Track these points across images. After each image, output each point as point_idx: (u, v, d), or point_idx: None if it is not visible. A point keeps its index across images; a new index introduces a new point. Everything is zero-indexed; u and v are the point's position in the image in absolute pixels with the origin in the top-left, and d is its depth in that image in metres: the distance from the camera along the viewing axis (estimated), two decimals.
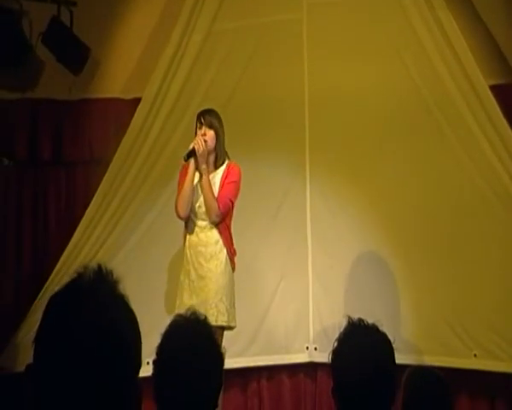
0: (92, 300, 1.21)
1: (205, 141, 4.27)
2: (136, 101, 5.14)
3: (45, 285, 4.85)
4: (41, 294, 4.82)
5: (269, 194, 5.15)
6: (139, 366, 1.24)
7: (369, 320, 2.10)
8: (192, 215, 4.35)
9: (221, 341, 3.88)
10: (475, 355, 4.98)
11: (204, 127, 4.31)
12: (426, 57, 5.03)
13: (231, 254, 4.35)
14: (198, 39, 5.09)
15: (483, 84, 4.94)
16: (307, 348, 5.08)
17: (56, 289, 1.26)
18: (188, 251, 4.34)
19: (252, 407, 5.17)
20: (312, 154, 5.20)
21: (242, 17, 5.21)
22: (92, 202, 5.03)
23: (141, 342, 1.26)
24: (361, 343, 2.04)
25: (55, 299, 1.24)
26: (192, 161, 4.29)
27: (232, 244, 4.37)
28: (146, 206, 5.10)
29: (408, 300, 5.09)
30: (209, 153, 4.31)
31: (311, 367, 5.12)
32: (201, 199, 4.33)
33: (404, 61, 5.09)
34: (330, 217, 5.18)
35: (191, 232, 4.36)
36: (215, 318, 4.13)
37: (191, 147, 4.26)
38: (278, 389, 5.17)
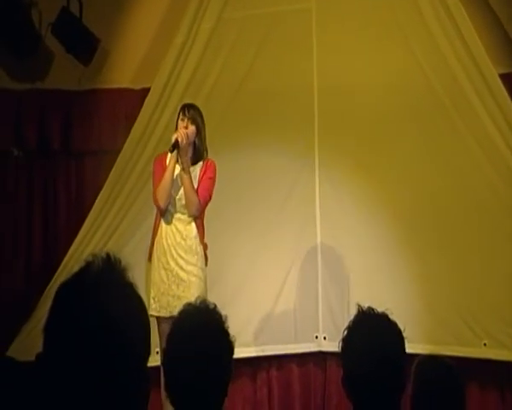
0: (101, 289, 1.22)
1: (186, 134, 4.29)
2: (146, 91, 5.14)
3: (55, 275, 4.87)
4: (51, 283, 4.84)
5: (278, 182, 5.15)
6: (148, 354, 1.24)
7: (379, 309, 2.10)
8: (170, 207, 4.37)
9: None
10: (485, 345, 4.97)
11: (186, 120, 4.34)
12: (435, 45, 5.00)
13: (205, 248, 4.41)
14: (207, 28, 5.08)
15: (493, 72, 4.92)
16: (316, 337, 5.08)
17: (66, 278, 1.26)
18: (164, 242, 4.35)
19: (261, 397, 5.18)
20: (321, 142, 5.19)
21: (252, 6, 5.19)
22: (101, 192, 5.04)
23: (150, 332, 1.26)
24: (371, 332, 2.04)
25: (63, 288, 1.24)
26: (173, 153, 4.30)
27: (204, 238, 4.41)
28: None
29: (418, 289, 5.08)
30: (187, 146, 4.33)
31: (320, 357, 5.12)
32: (181, 192, 4.35)
33: (414, 50, 5.06)
34: (339, 206, 5.17)
35: (168, 223, 4.37)
36: None
37: (174, 139, 4.26)
38: (287, 379, 5.17)
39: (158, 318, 4.24)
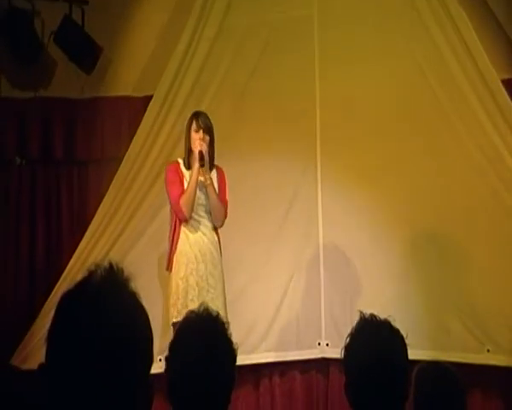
0: (103, 298, 1.22)
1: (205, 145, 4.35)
2: (148, 98, 5.16)
3: (58, 283, 4.87)
4: (53, 292, 4.84)
5: (280, 190, 5.15)
6: (151, 363, 1.25)
7: (382, 316, 2.10)
8: (195, 215, 4.40)
9: None
10: (488, 350, 4.97)
11: (201, 131, 4.38)
12: (438, 53, 5.01)
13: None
14: (209, 35, 5.10)
15: (495, 78, 4.92)
16: (319, 344, 5.08)
17: (68, 287, 1.26)
18: (190, 249, 4.38)
19: (264, 404, 5.18)
20: (323, 150, 5.19)
21: (253, 14, 5.21)
22: (104, 201, 5.05)
23: (152, 340, 1.26)
24: (373, 339, 2.04)
25: (66, 297, 1.24)
26: (195, 164, 4.33)
27: None
28: (158, 203, 5.11)
29: (420, 295, 5.07)
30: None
31: (323, 363, 5.12)
32: (203, 199, 4.39)
33: (416, 57, 5.07)
34: (342, 213, 5.17)
35: (195, 231, 4.40)
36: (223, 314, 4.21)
37: (198, 153, 4.31)
38: (290, 386, 5.17)
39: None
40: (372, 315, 2.08)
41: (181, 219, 4.40)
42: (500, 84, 4.92)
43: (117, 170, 5.07)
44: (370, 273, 5.14)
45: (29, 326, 4.87)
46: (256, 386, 5.17)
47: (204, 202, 4.42)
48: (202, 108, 4.93)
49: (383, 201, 5.13)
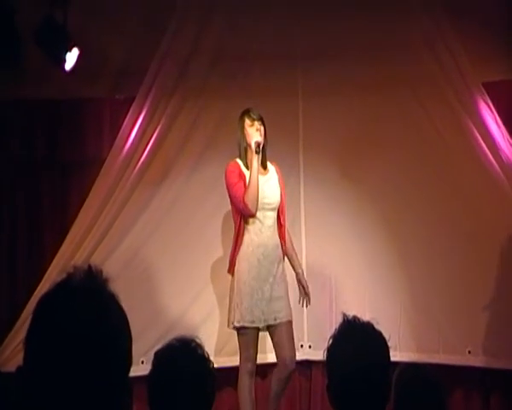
0: (82, 299, 1.21)
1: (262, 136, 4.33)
2: (130, 100, 5.13)
3: (38, 287, 4.82)
4: (34, 295, 4.78)
5: None
6: (130, 365, 1.25)
7: (364, 318, 2.10)
8: (260, 215, 4.36)
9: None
10: (469, 352, 5.00)
11: (256, 122, 4.33)
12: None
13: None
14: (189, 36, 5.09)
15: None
16: (301, 345, 5.08)
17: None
18: (253, 252, 4.34)
19: None
20: (306, 150, 5.21)
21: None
22: (86, 203, 5.02)
23: (131, 342, 1.26)
24: (356, 341, 2.04)
25: (44, 299, 1.24)
26: (254, 157, 4.27)
27: None
28: (140, 206, 5.09)
29: (402, 297, 5.10)
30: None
31: (305, 365, 5.13)
32: (269, 197, 4.37)
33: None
34: (324, 214, 5.19)
35: (260, 232, 4.37)
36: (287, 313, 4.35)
37: (255, 143, 4.25)
38: (271, 388, 5.15)
39: (245, 328, 4.31)
40: (355, 317, 2.08)
41: (247, 215, 4.32)
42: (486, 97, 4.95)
43: (99, 172, 5.04)
44: (353, 276, 5.16)
45: (9, 330, 4.83)
46: (236, 388, 5.16)
47: (269, 201, 4.38)
48: (185, 110, 4.94)
49: (366, 201, 5.15)
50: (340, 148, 5.17)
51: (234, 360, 4.82)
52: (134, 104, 5.07)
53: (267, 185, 4.41)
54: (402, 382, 2.53)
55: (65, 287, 1.23)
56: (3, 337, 4.84)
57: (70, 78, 5.23)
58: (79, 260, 4.77)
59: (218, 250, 5.12)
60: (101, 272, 1.25)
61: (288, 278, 4.51)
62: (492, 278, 4.98)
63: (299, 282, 4.53)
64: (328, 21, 5.07)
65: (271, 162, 4.52)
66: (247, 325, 4.29)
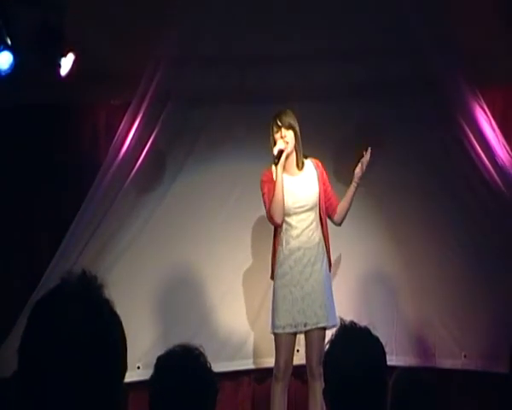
0: (77, 305, 1.22)
1: (286, 143, 4.32)
2: (126, 105, 5.13)
3: (34, 292, 4.81)
4: (29, 301, 4.77)
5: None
6: (125, 370, 1.25)
7: (362, 323, 2.11)
8: (292, 221, 4.38)
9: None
10: (465, 356, 5.00)
11: (283, 129, 4.32)
12: None
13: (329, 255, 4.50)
14: None
15: None
16: (298, 350, 5.07)
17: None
18: (286, 259, 4.39)
19: None
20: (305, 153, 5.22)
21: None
22: (82, 208, 5.01)
23: (126, 347, 1.26)
24: (353, 346, 2.05)
25: (38, 305, 1.24)
26: (279, 165, 4.29)
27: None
28: (135, 211, 5.09)
29: (400, 302, 5.10)
30: (290, 154, 4.35)
31: (302, 370, 5.12)
32: (302, 200, 4.36)
33: None
34: None
35: (291, 239, 4.38)
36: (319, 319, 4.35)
37: (276, 151, 4.28)
38: (270, 392, 5.16)
39: (275, 334, 4.39)
40: (352, 322, 2.09)
41: (274, 225, 4.39)
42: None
43: (95, 176, 5.03)
44: (348, 280, 5.16)
45: (5, 336, 4.82)
46: (235, 393, 5.18)
47: (302, 204, 4.38)
48: (179, 115, 4.94)
49: (361, 204, 5.15)
50: (336, 149, 5.18)
51: (230, 365, 4.85)
52: (130, 109, 5.07)
53: (300, 187, 4.41)
54: (399, 386, 2.53)
55: (59, 293, 1.24)
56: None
57: (65, 83, 5.23)
58: (75, 265, 4.76)
59: (211, 254, 5.13)
60: (95, 277, 1.25)
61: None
62: (488, 283, 4.99)
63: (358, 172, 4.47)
64: (328, 23, 5.08)
65: (311, 158, 4.50)
66: (275, 331, 4.40)
